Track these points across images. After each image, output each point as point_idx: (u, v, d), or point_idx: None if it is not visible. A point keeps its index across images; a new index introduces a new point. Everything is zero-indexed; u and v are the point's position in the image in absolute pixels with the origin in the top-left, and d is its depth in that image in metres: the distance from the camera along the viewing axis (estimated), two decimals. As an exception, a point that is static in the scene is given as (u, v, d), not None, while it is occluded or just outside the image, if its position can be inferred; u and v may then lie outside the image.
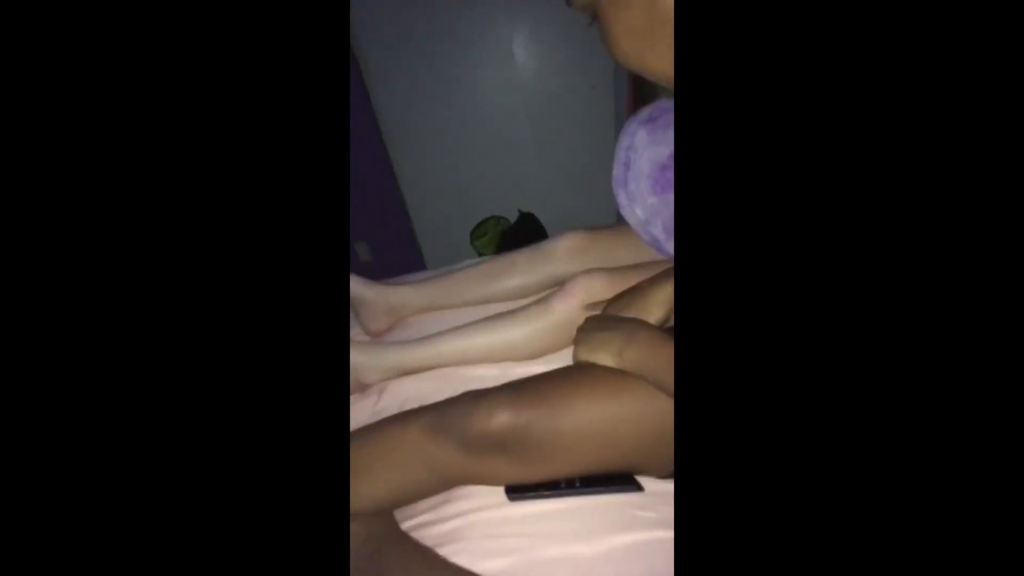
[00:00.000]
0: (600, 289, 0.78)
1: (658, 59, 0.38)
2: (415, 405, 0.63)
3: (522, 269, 0.93)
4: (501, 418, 0.56)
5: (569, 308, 0.79)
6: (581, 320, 0.78)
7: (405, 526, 0.62)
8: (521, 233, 1.77)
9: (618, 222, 0.87)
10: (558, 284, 0.88)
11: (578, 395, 0.57)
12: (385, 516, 0.60)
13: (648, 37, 0.37)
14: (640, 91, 1.37)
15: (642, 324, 0.58)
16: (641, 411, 0.56)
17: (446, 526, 0.60)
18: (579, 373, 0.60)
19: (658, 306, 0.63)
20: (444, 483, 0.61)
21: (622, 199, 0.78)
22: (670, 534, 0.56)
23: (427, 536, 0.60)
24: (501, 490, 0.60)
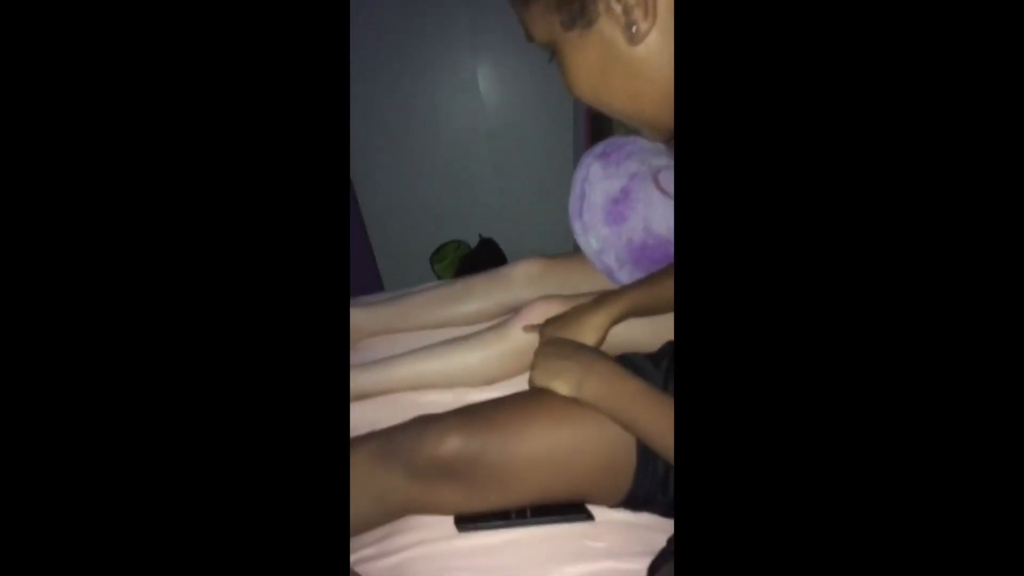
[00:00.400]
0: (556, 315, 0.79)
1: (613, 96, 0.39)
2: (364, 432, 0.61)
3: (479, 294, 0.93)
4: (452, 443, 0.55)
5: (525, 334, 0.79)
6: (536, 346, 0.79)
7: (350, 560, 0.59)
8: (480, 258, 1.77)
9: (574, 250, 0.88)
10: (514, 310, 0.88)
11: (531, 422, 0.57)
12: None
13: (603, 76, 0.38)
14: (596, 124, 1.42)
15: (599, 355, 0.58)
16: (593, 439, 0.56)
17: (391, 560, 0.58)
18: (532, 400, 0.60)
19: (593, 330, 0.64)
20: (391, 513, 0.59)
21: (577, 229, 0.80)
22: (620, 564, 0.56)
23: (372, 571, 0.57)
24: (449, 523, 0.59)
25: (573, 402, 0.57)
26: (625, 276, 0.80)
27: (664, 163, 0.75)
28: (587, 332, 0.64)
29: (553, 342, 0.62)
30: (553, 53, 0.40)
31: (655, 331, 0.71)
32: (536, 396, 0.60)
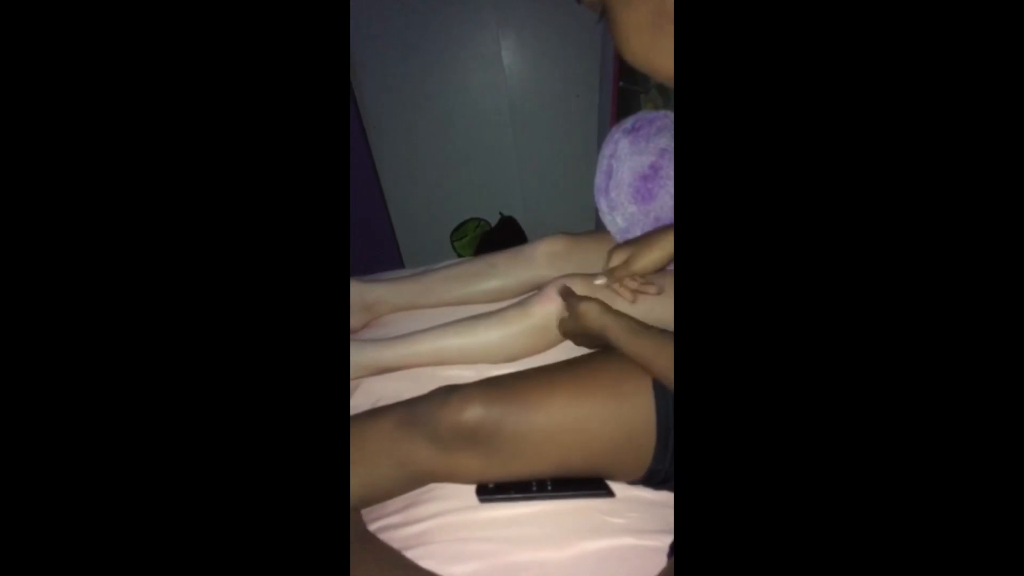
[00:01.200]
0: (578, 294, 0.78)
1: (666, 56, 0.37)
2: (389, 403, 0.62)
3: (501, 271, 0.92)
4: (473, 411, 0.56)
5: (547, 312, 0.79)
6: (558, 324, 0.79)
7: (373, 527, 0.61)
8: (501, 236, 1.77)
9: (597, 229, 0.87)
10: (536, 288, 0.88)
11: (552, 393, 0.57)
12: (352, 515, 0.59)
13: (655, 35, 0.36)
14: (623, 101, 1.39)
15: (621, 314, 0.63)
16: (614, 414, 0.56)
17: (414, 528, 0.59)
18: (555, 372, 0.60)
19: (660, 248, 0.66)
20: (414, 480, 0.60)
21: (603, 206, 0.79)
22: (639, 541, 0.57)
23: (394, 538, 0.59)
24: (470, 493, 0.60)
25: (596, 377, 0.57)
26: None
27: (695, 139, 0.73)
28: (653, 251, 0.66)
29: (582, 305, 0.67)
30: (602, 14, 0.38)
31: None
32: (559, 368, 0.61)
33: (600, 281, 0.70)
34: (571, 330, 0.70)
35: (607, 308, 0.64)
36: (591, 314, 0.64)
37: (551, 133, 1.75)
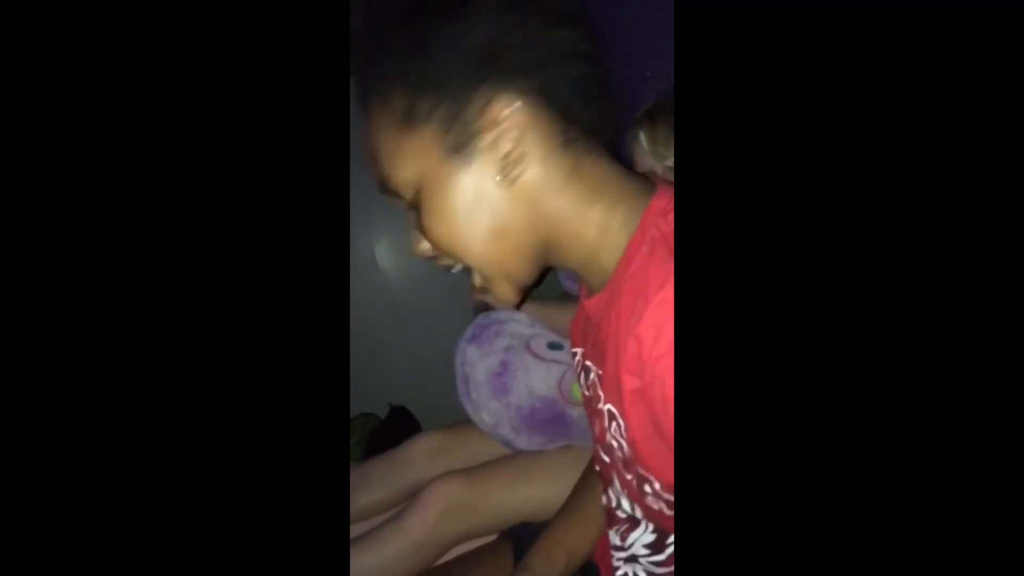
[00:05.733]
0: (457, 494, 0.75)
1: (473, 240, 0.37)
2: None
3: (375, 482, 0.87)
4: None
5: (425, 523, 0.74)
6: (441, 535, 0.74)
7: None
8: (392, 430, 1.70)
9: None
10: (415, 493, 0.85)
11: None
12: None
13: (469, 216, 0.36)
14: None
15: None
16: None
17: None
18: None
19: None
20: None
21: (469, 408, 0.83)
22: None
23: None
24: None
25: None
26: (523, 443, 0.82)
27: (531, 332, 0.82)
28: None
29: None
30: (412, 199, 0.37)
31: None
32: None
33: None
34: None
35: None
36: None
37: (431, 322, 1.85)
